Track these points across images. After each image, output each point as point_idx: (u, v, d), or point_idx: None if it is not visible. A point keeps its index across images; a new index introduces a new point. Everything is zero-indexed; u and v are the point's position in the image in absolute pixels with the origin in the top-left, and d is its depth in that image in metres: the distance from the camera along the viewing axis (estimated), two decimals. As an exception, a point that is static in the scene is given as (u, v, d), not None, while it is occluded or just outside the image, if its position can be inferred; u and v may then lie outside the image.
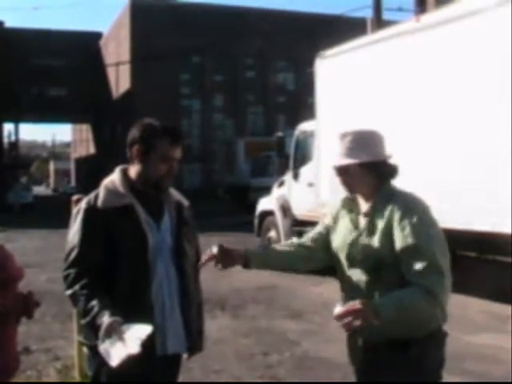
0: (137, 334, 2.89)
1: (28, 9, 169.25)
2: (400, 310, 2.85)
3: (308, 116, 14.71)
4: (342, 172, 3.25)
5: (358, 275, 3.14)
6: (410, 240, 2.95)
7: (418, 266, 2.91)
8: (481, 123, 9.26)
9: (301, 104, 42.82)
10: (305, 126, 14.44)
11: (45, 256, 14.62)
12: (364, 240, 3.11)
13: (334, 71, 12.80)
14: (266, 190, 16.58)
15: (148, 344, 3.05)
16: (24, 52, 58.98)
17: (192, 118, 51.51)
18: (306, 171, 13.61)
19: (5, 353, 3.55)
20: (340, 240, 3.29)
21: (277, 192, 14.80)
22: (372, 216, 3.14)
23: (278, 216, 14.24)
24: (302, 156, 13.87)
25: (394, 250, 2.99)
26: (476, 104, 9.39)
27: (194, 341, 3.40)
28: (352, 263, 3.17)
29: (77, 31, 65.79)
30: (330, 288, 11.55)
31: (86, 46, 62.77)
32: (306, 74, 21.22)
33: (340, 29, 30.56)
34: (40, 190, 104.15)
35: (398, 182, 3.38)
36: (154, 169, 3.31)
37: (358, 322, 2.72)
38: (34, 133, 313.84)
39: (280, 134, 16.00)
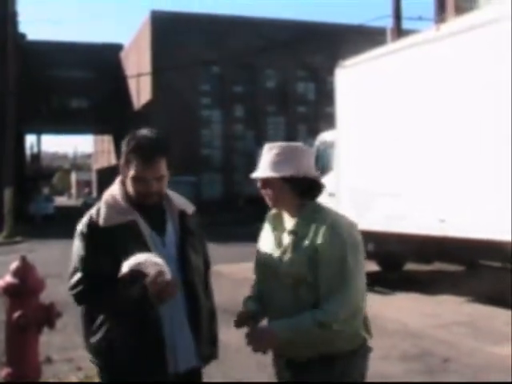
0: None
1: (49, 22, 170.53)
2: (297, 333, 2.98)
3: (328, 126, 14.68)
4: (265, 185, 3.22)
5: (277, 291, 3.17)
6: (328, 266, 2.99)
7: (325, 289, 3.00)
8: (507, 129, 9.20)
9: (321, 114, 42.79)
10: (325, 136, 14.43)
11: (65, 267, 14.33)
12: (286, 258, 3.11)
13: (354, 81, 12.79)
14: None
15: (159, 362, 3.07)
16: (46, 64, 59.43)
17: (212, 129, 51.57)
18: (326, 181, 13.52)
19: (26, 362, 3.57)
20: (262, 255, 3.30)
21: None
22: (296, 234, 3.11)
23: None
24: (323, 166, 13.85)
25: (315, 269, 3.01)
26: (500, 112, 9.33)
27: (207, 350, 3.34)
28: (273, 279, 3.19)
29: (98, 43, 66.20)
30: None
31: (107, 57, 63.13)
32: (326, 84, 21.22)
33: (360, 38, 30.53)
34: (62, 200, 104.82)
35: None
36: (131, 188, 3.19)
37: (259, 347, 3.02)
38: (55, 144, 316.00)
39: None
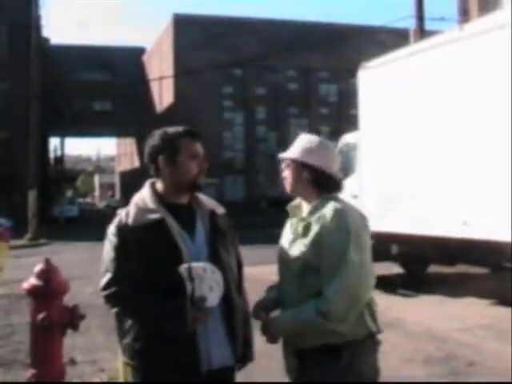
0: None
1: (73, 26, 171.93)
2: (300, 323, 3.09)
3: (351, 127, 14.64)
4: (286, 165, 3.37)
5: (287, 279, 3.28)
6: (330, 251, 3.06)
7: (326, 275, 3.06)
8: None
9: (344, 115, 42.74)
10: (348, 138, 14.38)
11: (89, 269, 14.63)
12: (296, 244, 3.21)
13: (377, 82, 12.74)
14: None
15: (192, 361, 3.06)
16: (69, 68, 59.91)
17: (235, 131, 51.69)
18: (349, 183, 13.53)
19: (50, 364, 3.59)
20: (280, 245, 3.39)
21: (320, 204, 14.70)
22: (307, 220, 3.21)
23: (322, 228, 14.12)
24: (346, 168, 13.81)
25: (320, 254, 3.08)
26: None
27: (242, 351, 3.30)
28: (284, 267, 3.32)
29: (121, 46, 66.64)
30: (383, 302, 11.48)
31: (129, 61, 63.54)
32: (348, 86, 21.18)
33: (383, 39, 30.45)
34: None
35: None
36: (186, 169, 3.24)
37: (267, 338, 3.20)
38: (79, 147, 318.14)
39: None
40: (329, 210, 3.12)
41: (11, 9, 42.00)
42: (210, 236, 3.26)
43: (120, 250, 3.14)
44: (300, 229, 3.21)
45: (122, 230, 3.17)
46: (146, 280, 3.05)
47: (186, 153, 3.24)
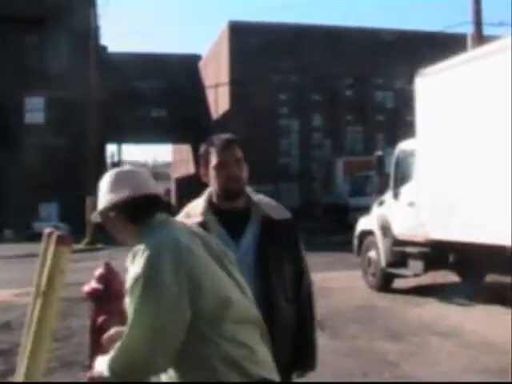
0: None
1: (130, 34, 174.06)
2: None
3: (408, 134, 14.53)
4: (105, 224, 2.88)
5: None
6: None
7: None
8: None
9: (400, 122, 42.34)
10: (405, 145, 14.27)
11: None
12: None
13: (434, 89, 12.62)
14: (364, 210, 16.46)
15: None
16: (126, 76, 60.66)
17: (290, 138, 51.63)
18: (406, 190, 13.44)
19: (110, 367, 3.65)
20: None
21: (377, 211, 14.64)
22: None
23: (378, 236, 14.05)
24: (402, 175, 13.72)
25: None
26: None
27: (290, 358, 3.25)
28: None
29: (177, 54, 67.11)
30: (428, 309, 11.37)
31: (185, 68, 64.02)
32: (405, 92, 21.00)
33: (440, 45, 30.09)
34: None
35: None
36: (214, 179, 3.30)
37: None
38: (135, 153, 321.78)
39: (379, 152, 15.83)
40: (135, 255, 2.59)
41: (70, 19, 42.81)
42: (258, 242, 3.23)
43: None
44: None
45: None
46: None
47: (212, 164, 3.28)
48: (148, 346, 2.45)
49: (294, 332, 3.30)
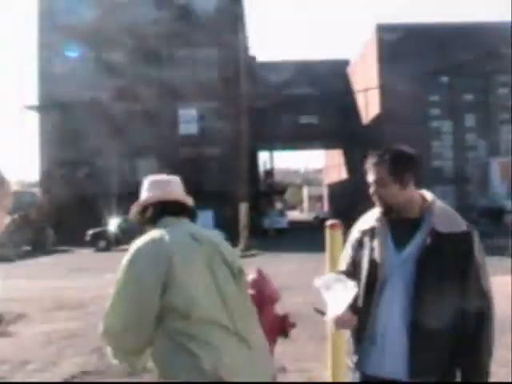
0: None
1: (278, 42, 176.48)
2: None
3: None
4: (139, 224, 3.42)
5: None
6: None
7: None
8: None
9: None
10: None
11: (300, 279, 14.86)
12: None
13: None
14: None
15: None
16: (276, 84, 61.53)
17: (443, 140, 50.49)
18: None
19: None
20: None
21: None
22: None
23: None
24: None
25: None
26: None
27: (441, 372, 3.13)
28: None
29: (325, 60, 67.35)
30: None
31: (334, 73, 64.14)
32: None
33: None
34: (294, 214, 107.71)
35: None
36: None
37: None
38: (287, 160, 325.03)
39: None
40: None
41: (220, 31, 43.97)
42: (420, 253, 3.15)
43: (346, 251, 3.52)
44: None
45: (351, 233, 3.51)
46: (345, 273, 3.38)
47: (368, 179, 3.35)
48: (120, 318, 2.97)
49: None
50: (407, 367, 3.10)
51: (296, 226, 59.79)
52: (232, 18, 44.35)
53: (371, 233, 3.31)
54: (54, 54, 44.95)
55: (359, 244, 3.38)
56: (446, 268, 3.11)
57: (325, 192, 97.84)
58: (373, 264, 3.24)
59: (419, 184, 3.34)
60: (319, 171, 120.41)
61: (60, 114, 44.09)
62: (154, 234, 3.11)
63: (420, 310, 3.09)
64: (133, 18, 44.68)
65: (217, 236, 3.31)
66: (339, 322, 3.21)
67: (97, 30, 44.04)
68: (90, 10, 44.28)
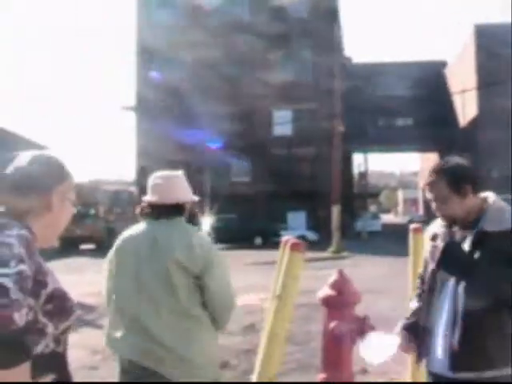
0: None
1: (373, 43, 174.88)
2: None
3: None
4: None
5: None
6: None
7: None
8: None
9: None
10: None
11: (388, 283, 14.76)
12: None
13: None
14: None
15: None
16: (371, 85, 61.10)
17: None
18: None
19: (341, 370, 3.80)
20: None
21: None
22: None
23: None
24: None
25: None
26: None
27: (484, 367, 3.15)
28: None
29: (421, 61, 66.42)
30: None
31: (430, 75, 63.15)
32: None
33: None
34: (389, 217, 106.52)
35: None
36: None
37: None
38: (382, 163, 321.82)
39: None
40: None
41: (314, 33, 44.05)
42: (469, 253, 3.25)
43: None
44: None
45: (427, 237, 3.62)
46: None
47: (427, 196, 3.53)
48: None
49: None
50: (450, 363, 3.19)
51: (389, 229, 59.11)
52: (327, 19, 44.26)
53: (435, 238, 3.46)
54: (150, 59, 46.14)
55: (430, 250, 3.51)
56: (490, 266, 3.14)
57: (420, 195, 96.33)
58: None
59: (478, 192, 3.38)
60: (415, 174, 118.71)
61: (156, 114, 45.05)
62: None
63: (466, 310, 3.15)
64: (228, 21, 45.25)
65: (180, 241, 3.60)
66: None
67: (193, 33, 44.80)
68: (186, 16, 45.18)
